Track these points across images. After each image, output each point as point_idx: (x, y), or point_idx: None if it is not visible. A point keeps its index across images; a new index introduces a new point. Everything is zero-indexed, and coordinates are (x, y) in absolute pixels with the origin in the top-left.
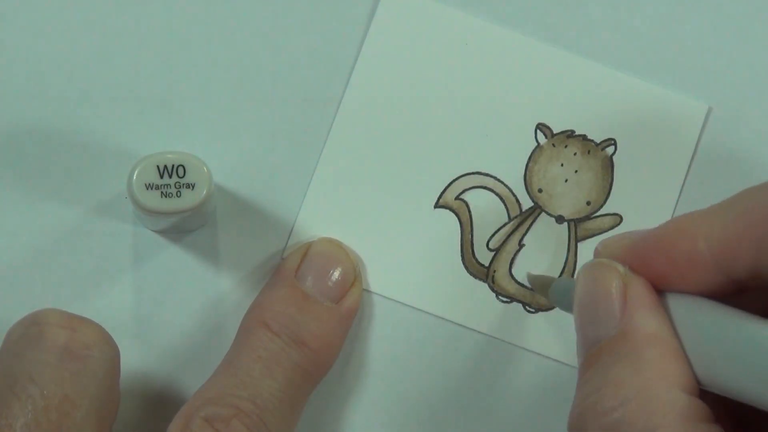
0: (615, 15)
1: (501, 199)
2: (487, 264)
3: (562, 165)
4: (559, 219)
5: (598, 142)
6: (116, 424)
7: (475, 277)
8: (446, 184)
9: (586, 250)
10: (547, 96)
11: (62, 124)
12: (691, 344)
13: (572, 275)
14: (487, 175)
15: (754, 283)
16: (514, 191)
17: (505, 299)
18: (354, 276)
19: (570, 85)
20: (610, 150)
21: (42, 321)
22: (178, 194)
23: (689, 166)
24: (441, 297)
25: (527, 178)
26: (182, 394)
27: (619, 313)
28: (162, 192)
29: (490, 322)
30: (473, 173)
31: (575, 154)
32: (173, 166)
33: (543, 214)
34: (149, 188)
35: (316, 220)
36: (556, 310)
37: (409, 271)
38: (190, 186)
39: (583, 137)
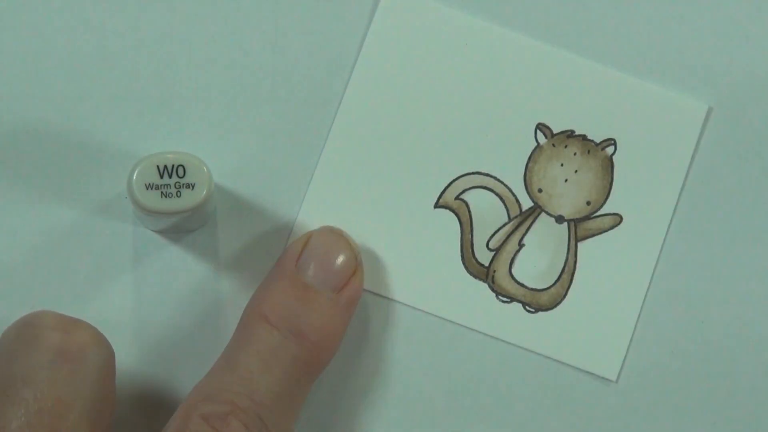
0: (615, 15)
1: (501, 199)
2: (487, 264)
3: (562, 165)
4: (559, 219)
5: (598, 142)
6: (115, 422)
7: (475, 277)
8: (446, 184)
9: (586, 250)
10: (547, 96)
11: (62, 124)
12: None
13: (572, 275)
14: (487, 175)
15: None
16: (514, 191)
17: (505, 299)
18: (356, 264)
19: (570, 85)
20: (610, 150)
21: (36, 323)
22: (178, 194)
23: (689, 166)
24: (441, 297)
25: (527, 178)
26: (181, 394)
27: None
28: (162, 192)
29: (490, 322)
30: (473, 173)
31: (575, 154)
32: (173, 166)
33: (543, 214)
34: (149, 188)
35: (316, 220)
36: (556, 310)
37: (409, 271)
38: (190, 186)
39: (583, 137)
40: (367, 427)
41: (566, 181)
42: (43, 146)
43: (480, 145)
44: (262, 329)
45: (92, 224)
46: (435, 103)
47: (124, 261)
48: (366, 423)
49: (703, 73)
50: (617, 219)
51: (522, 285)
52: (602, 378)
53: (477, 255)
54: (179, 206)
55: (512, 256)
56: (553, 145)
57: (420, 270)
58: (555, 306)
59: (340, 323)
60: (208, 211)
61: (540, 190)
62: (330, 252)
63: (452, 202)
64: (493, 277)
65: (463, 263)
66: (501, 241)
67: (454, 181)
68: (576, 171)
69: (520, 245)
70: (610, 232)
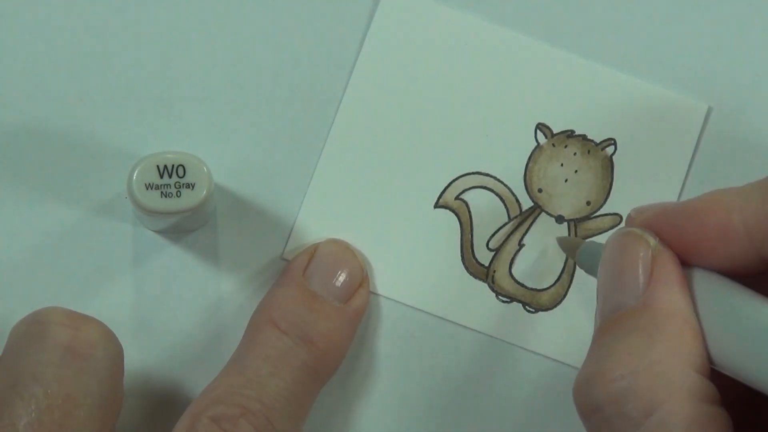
0: (615, 15)
1: (501, 199)
2: (487, 264)
3: (561, 165)
4: (559, 219)
5: (598, 142)
6: (118, 423)
7: (475, 277)
8: (446, 184)
9: None
10: (547, 96)
11: (62, 124)
12: (711, 325)
13: (572, 275)
14: (487, 175)
15: None
16: (514, 191)
17: (505, 299)
18: (361, 277)
19: (570, 85)
20: (610, 150)
21: (45, 319)
22: (178, 194)
23: (689, 166)
24: (441, 297)
25: (527, 178)
26: (182, 394)
27: (643, 284)
28: (162, 192)
29: (490, 322)
30: (473, 173)
31: (575, 154)
32: (173, 166)
33: (543, 214)
34: (149, 188)
35: (316, 220)
36: (556, 310)
37: (409, 271)
38: (190, 186)
39: (583, 137)
40: (366, 427)
41: (566, 181)
42: (43, 146)
43: (480, 145)
44: (271, 334)
45: (92, 224)
46: (435, 103)
47: (124, 261)
48: (365, 423)
49: (703, 73)
50: (617, 219)
51: (522, 285)
52: None
53: (477, 255)
54: (179, 206)
55: (512, 256)
56: (553, 145)
57: (420, 270)
58: (555, 306)
59: (347, 332)
60: (208, 211)
61: (540, 190)
62: (337, 264)
63: (452, 202)
64: (493, 277)
65: (463, 263)
66: (501, 241)
67: (454, 181)
68: (576, 171)
69: (520, 245)
70: (610, 231)
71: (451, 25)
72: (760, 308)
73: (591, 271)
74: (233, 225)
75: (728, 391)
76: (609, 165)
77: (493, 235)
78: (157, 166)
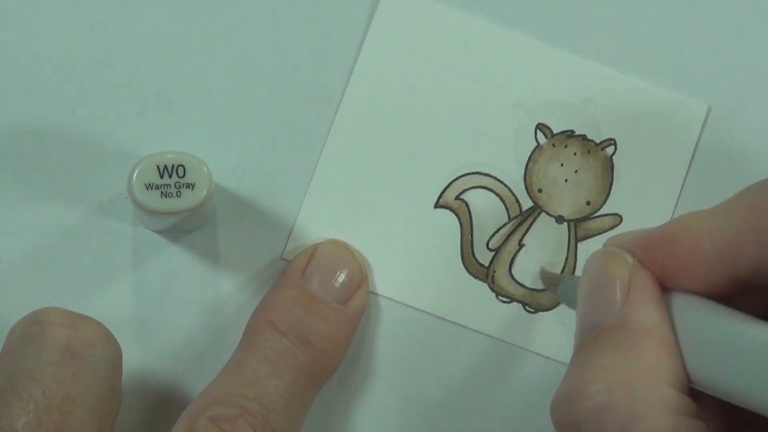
0: (615, 15)
1: (501, 199)
2: (487, 264)
3: (562, 165)
4: (559, 219)
5: (598, 142)
6: (117, 422)
7: (475, 277)
8: (446, 184)
9: (586, 250)
10: (547, 96)
11: (62, 124)
12: (688, 342)
13: (571, 275)
14: (487, 175)
15: (757, 282)
16: (514, 191)
17: (504, 299)
18: (361, 278)
19: (569, 85)
20: (610, 150)
21: (43, 319)
22: (178, 194)
23: (689, 166)
24: (441, 297)
25: (527, 178)
26: (182, 394)
27: (621, 301)
28: (162, 192)
29: (489, 322)
30: (473, 173)
31: (575, 154)
32: (173, 166)
33: (543, 214)
34: (149, 188)
35: (316, 221)
36: (556, 310)
37: (409, 272)
38: (190, 186)
39: (583, 137)
40: (366, 427)
41: (566, 181)
42: (43, 146)
43: (480, 145)
44: (270, 335)
45: (92, 224)
46: (435, 102)
47: (124, 261)
48: (365, 423)
49: (703, 73)
50: (617, 219)
51: (522, 285)
52: None
53: (477, 255)
54: (179, 206)
55: (512, 256)
56: (553, 145)
57: (420, 270)
58: (555, 306)
59: (346, 333)
60: (208, 211)
61: (540, 190)
62: (336, 265)
63: (452, 202)
64: (493, 277)
65: (463, 263)
66: (501, 241)
67: (454, 181)
68: (576, 171)
69: (520, 245)
70: (610, 231)
71: (451, 25)
72: (737, 326)
73: (573, 305)
74: (233, 225)
75: (711, 406)
76: (609, 165)
77: (493, 235)
78: (157, 166)
